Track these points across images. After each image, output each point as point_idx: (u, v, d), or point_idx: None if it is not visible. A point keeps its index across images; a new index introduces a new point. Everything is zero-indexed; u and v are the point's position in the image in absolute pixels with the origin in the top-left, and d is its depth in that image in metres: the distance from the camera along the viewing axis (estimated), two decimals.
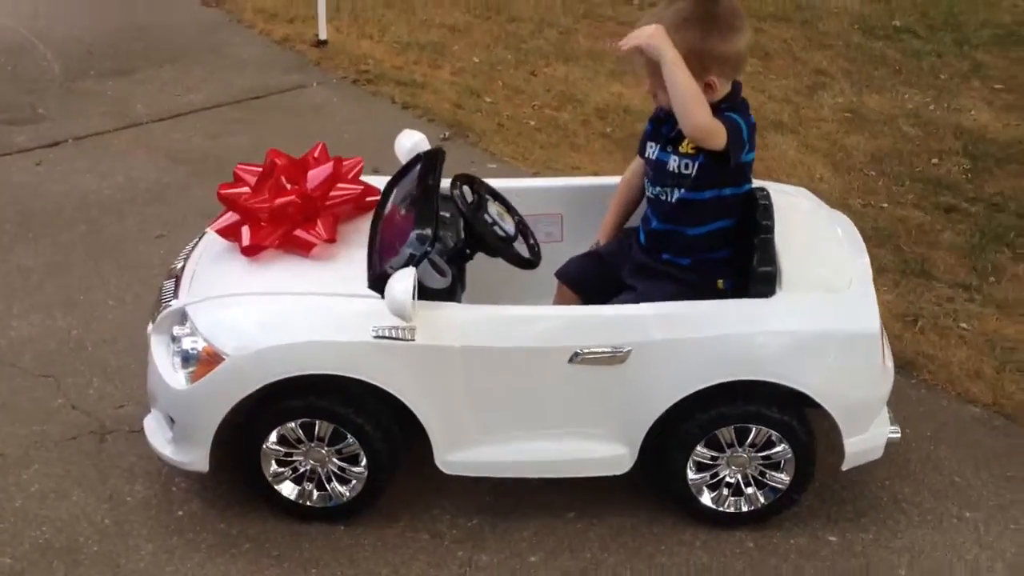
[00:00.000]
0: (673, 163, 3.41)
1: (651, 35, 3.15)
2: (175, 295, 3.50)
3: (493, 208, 3.55)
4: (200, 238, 3.82)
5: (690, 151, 3.37)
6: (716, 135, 3.19)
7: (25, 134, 5.90)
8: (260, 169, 3.66)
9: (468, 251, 3.51)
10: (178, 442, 3.41)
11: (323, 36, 7.28)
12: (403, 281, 3.10)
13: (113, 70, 6.79)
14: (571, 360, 3.30)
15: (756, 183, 3.56)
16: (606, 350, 3.29)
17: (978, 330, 4.72)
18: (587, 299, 3.64)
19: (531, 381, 3.36)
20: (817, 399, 3.36)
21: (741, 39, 3.30)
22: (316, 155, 3.70)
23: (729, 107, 3.32)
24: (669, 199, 3.44)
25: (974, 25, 8.60)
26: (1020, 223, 5.64)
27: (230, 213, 3.59)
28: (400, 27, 7.75)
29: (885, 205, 5.77)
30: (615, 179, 4.07)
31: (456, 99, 6.67)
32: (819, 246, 3.65)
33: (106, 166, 5.63)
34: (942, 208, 5.79)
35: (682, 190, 3.41)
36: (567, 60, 7.46)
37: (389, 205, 3.69)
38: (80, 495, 3.59)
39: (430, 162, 3.66)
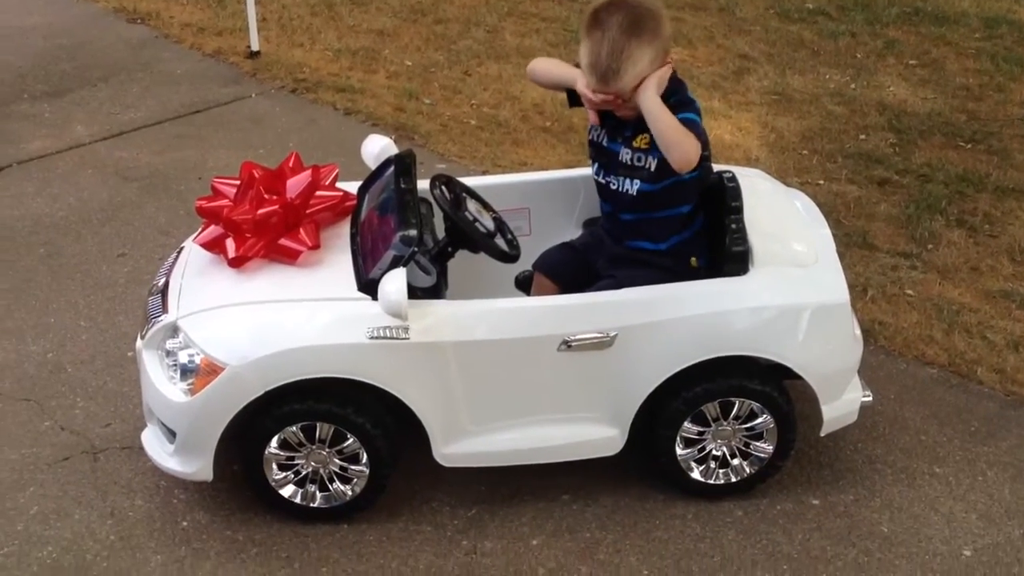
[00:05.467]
0: (625, 155, 3.51)
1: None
2: (164, 310, 3.54)
3: (472, 205, 3.64)
4: (178, 253, 3.86)
5: (643, 146, 3.45)
6: (697, 157, 3.31)
7: None
8: (238, 181, 3.70)
9: (451, 249, 3.59)
10: (181, 454, 3.45)
11: (255, 47, 7.28)
12: (395, 282, 3.19)
13: (47, 92, 6.72)
14: (560, 348, 3.41)
15: (718, 167, 3.69)
16: (593, 336, 3.41)
17: (923, 295, 4.94)
18: (565, 288, 3.74)
19: (523, 371, 3.47)
20: (796, 369, 3.53)
21: (666, 14, 3.42)
22: (291, 165, 3.75)
23: (677, 100, 3.42)
24: (628, 191, 3.53)
25: (883, 4, 8.88)
26: (949, 192, 5.90)
27: (212, 226, 3.63)
28: (329, 34, 7.78)
29: (821, 182, 5.98)
30: (579, 172, 4.20)
31: (396, 102, 6.74)
32: (784, 223, 3.81)
33: (56, 188, 5.59)
34: (875, 181, 6.01)
35: (639, 182, 3.50)
36: (498, 58, 7.56)
37: (365, 210, 3.77)
38: (82, 513, 3.62)
39: (402, 165, 3.74)
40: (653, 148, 3.38)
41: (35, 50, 7.37)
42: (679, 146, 3.26)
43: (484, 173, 5.82)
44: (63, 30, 7.73)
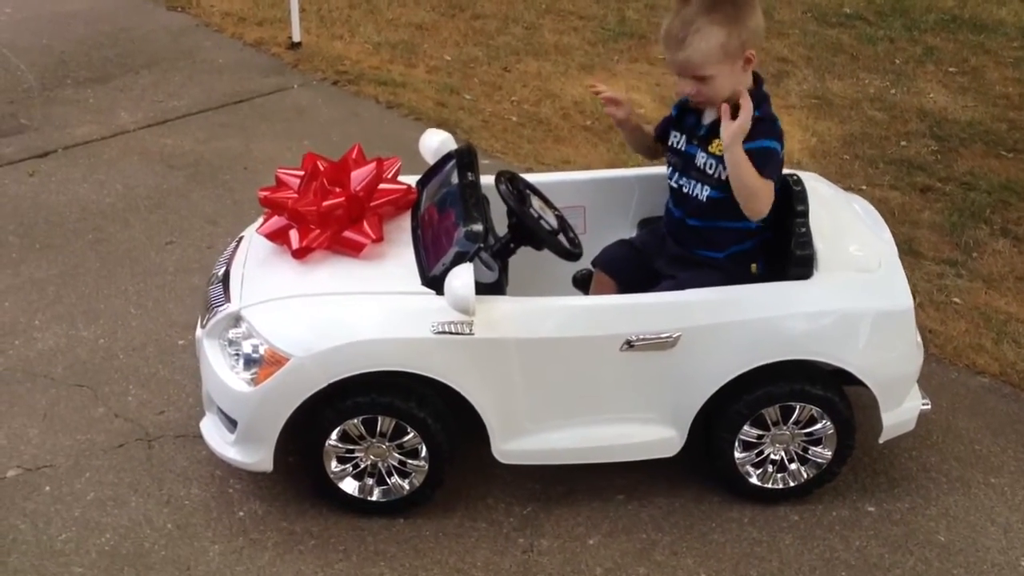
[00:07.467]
0: (701, 159, 3.49)
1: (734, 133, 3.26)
2: (226, 299, 3.53)
3: (536, 202, 3.63)
4: (237, 243, 3.86)
5: (718, 152, 3.42)
6: (768, 207, 3.36)
7: (12, 145, 5.83)
8: (301, 172, 3.70)
9: (513, 245, 3.58)
10: (241, 443, 3.45)
11: (297, 38, 7.29)
12: (462, 277, 3.18)
13: (90, 78, 6.72)
14: (622, 347, 3.40)
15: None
16: (656, 336, 3.40)
17: (970, 304, 4.92)
18: (623, 286, 3.73)
19: (584, 369, 3.45)
20: (858, 375, 3.51)
21: (759, 12, 3.39)
22: (354, 157, 3.75)
23: (765, 117, 3.40)
24: (699, 196, 3.50)
25: (920, 10, 8.87)
26: (993, 200, 5.88)
27: (275, 217, 3.62)
28: (368, 27, 7.79)
29: (864, 187, 5.95)
30: (634, 171, 4.20)
31: (437, 97, 6.74)
32: (846, 227, 3.79)
33: (102, 174, 5.60)
34: (918, 188, 6.00)
35: (710, 188, 3.48)
36: (537, 55, 7.56)
37: (425, 204, 3.76)
38: (138, 501, 3.61)
39: (464, 159, 3.74)
40: None
41: (77, 36, 7.38)
42: (752, 200, 3.33)
43: (528, 170, 5.81)
44: (104, 16, 7.74)
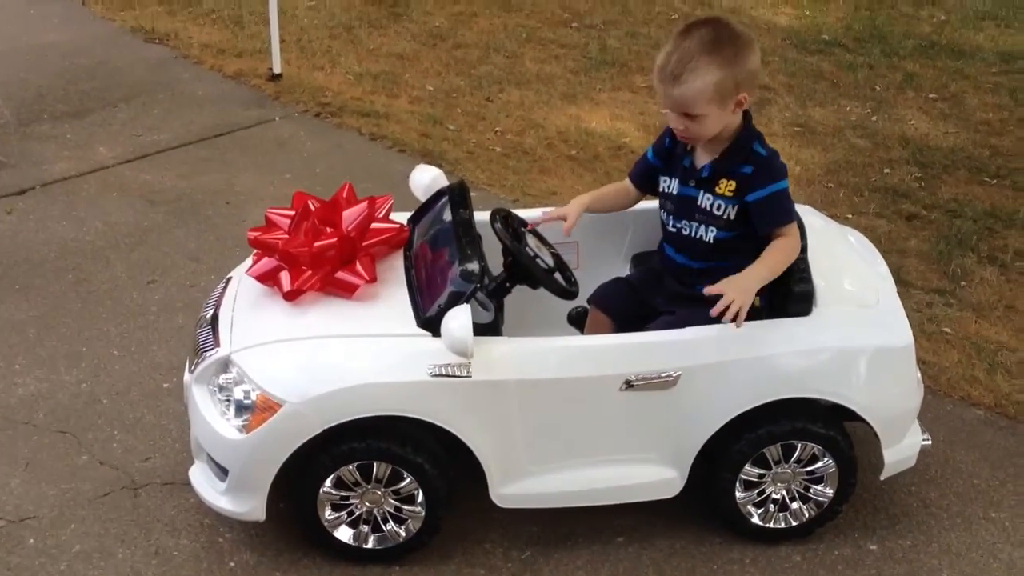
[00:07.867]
0: (706, 201, 3.43)
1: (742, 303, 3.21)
2: (215, 343, 3.45)
3: (531, 240, 3.57)
4: (225, 284, 3.78)
5: (727, 193, 3.38)
6: (799, 246, 3.39)
7: None
8: (292, 212, 3.63)
9: (509, 284, 3.52)
10: (233, 492, 3.36)
11: (277, 70, 7.22)
12: (459, 318, 3.12)
13: (67, 112, 6.64)
14: (622, 387, 3.34)
15: None
16: (656, 376, 3.34)
17: (961, 334, 4.89)
18: (619, 323, 3.68)
19: (584, 411, 3.39)
20: (861, 412, 3.46)
21: (757, 55, 3.35)
22: (345, 195, 3.69)
23: (770, 155, 3.39)
24: (704, 237, 3.45)
25: (898, 36, 8.88)
26: (978, 228, 5.86)
27: (265, 258, 3.55)
28: (349, 58, 7.73)
29: (849, 216, 5.93)
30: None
31: (420, 128, 6.68)
32: (842, 261, 3.75)
33: (81, 212, 5.50)
34: (903, 216, 5.98)
35: (716, 229, 3.43)
36: (519, 84, 7.52)
37: (417, 242, 3.70)
38: (125, 553, 3.52)
39: (457, 197, 3.68)
40: (736, 196, 3.33)
41: (54, 69, 7.29)
42: (791, 257, 3.35)
43: (515, 202, 5.76)
44: (81, 49, 7.65)
